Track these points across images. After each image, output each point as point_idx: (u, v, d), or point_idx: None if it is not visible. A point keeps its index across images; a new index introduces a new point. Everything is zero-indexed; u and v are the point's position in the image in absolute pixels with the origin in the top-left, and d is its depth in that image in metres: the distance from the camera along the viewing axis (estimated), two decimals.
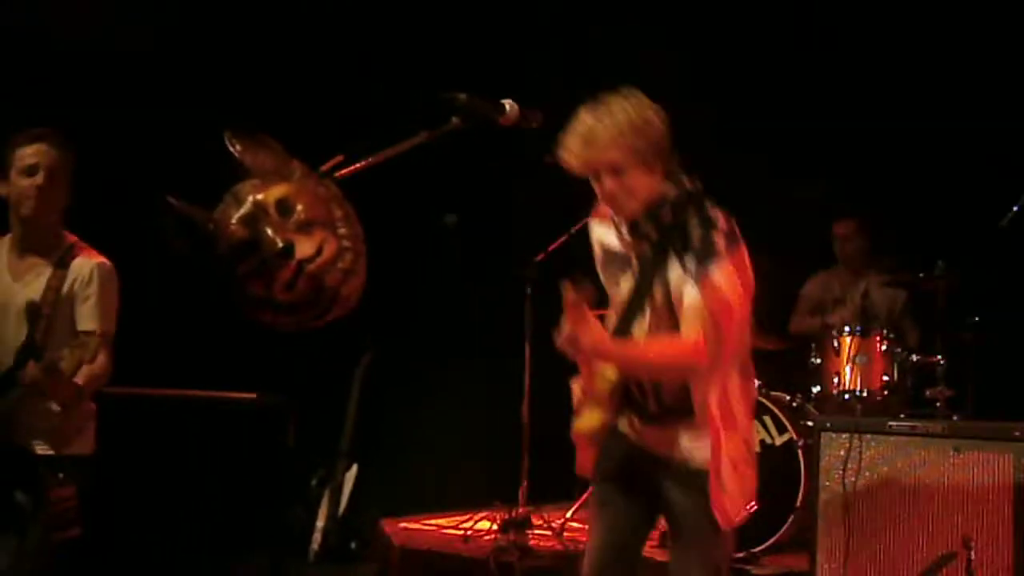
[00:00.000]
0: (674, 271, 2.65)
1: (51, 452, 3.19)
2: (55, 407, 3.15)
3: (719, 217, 2.65)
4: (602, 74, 2.93)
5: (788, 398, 4.80)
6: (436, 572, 4.68)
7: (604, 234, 2.85)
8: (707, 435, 2.71)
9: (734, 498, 2.74)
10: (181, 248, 2.15)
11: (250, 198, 2.13)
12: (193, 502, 5.01)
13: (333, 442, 5.19)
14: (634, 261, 2.76)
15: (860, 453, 4.00)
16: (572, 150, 2.66)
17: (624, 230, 2.76)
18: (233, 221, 2.11)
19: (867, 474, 4.02)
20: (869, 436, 4.04)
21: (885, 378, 4.70)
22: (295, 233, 2.11)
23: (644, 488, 2.84)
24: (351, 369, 5.37)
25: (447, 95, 2.49)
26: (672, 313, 2.66)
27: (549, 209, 5.21)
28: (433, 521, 5.22)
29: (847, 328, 4.80)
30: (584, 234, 3.18)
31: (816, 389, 4.91)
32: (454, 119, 2.49)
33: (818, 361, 4.92)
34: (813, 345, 5.00)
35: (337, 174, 2.28)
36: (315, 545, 4.79)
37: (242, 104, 4.58)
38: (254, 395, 5.26)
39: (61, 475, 3.16)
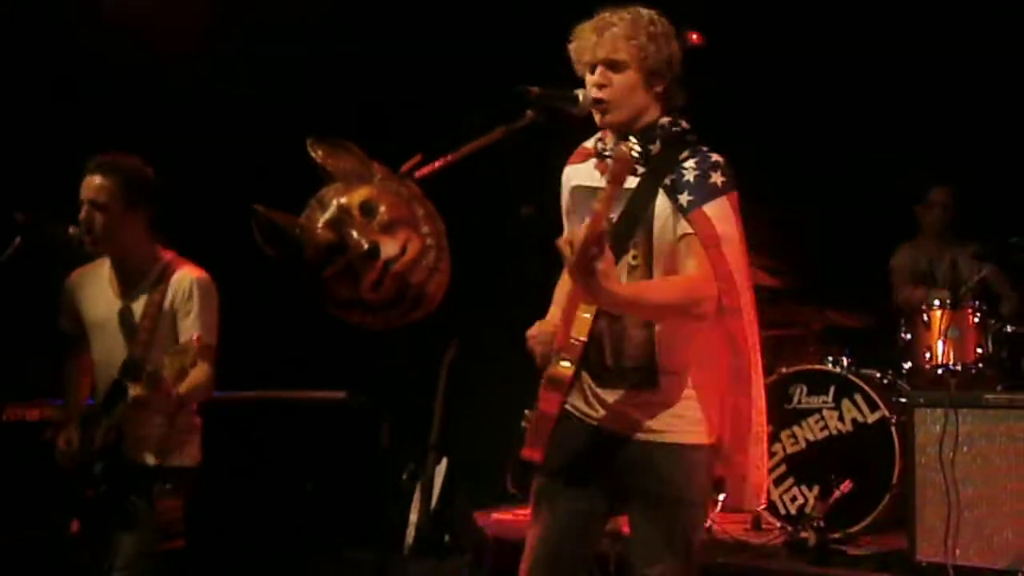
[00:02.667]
0: (661, 209, 2.45)
1: (158, 463, 3.28)
2: (159, 417, 3.24)
3: (719, 159, 2.48)
4: None
5: (879, 375, 4.72)
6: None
7: (576, 173, 2.64)
8: (679, 404, 2.48)
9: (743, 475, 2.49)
10: (271, 254, 2.21)
11: (334, 202, 2.19)
12: (288, 502, 5.14)
13: (422, 437, 5.28)
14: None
15: (956, 428, 3.92)
16: (579, 36, 2.53)
17: (606, 156, 2.55)
18: (319, 225, 2.17)
19: (964, 449, 3.94)
20: (965, 410, 3.97)
21: (979, 351, 4.59)
22: (379, 234, 2.16)
23: (599, 478, 2.54)
24: (437, 364, 5.46)
25: (521, 89, 2.51)
26: (649, 257, 2.45)
27: None
28: (525, 511, 5.25)
29: (937, 301, 4.70)
30: None
31: (907, 365, 4.82)
32: (529, 112, 2.51)
33: (909, 336, 4.82)
34: (903, 320, 4.91)
35: (417, 173, 2.33)
36: (409, 540, 4.86)
37: (321, 112, 4.66)
38: (343, 394, 5.37)
39: (168, 486, 3.26)
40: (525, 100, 2.51)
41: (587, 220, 2.18)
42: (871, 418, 4.48)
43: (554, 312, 2.72)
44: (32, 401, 4.50)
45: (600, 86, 2.51)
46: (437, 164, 2.35)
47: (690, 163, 2.47)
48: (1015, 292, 5.10)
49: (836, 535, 4.33)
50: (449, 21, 5.70)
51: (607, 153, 2.57)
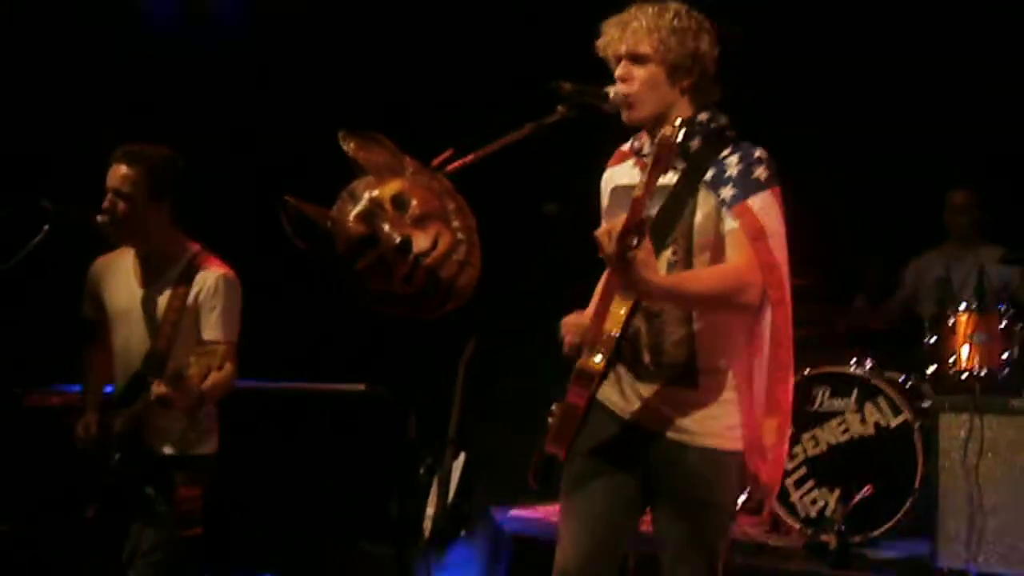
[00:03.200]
0: (703, 204, 2.42)
1: (177, 453, 3.29)
2: (179, 414, 3.23)
3: (762, 154, 2.46)
4: None
5: (902, 378, 4.68)
6: (548, 559, 4.71)
7: (616, 174, 2.64)
8: (716, 405, 2.45)
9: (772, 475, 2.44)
10: (301, 246, 2.21)
11: (366, 195, 2.18)
12: (306, 494, 5.14)
13: (441, 430, 5.28)
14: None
15: (981, 434, 3.89)
16: (605, 31, 2.52)
17: (644, 155, 2.53)
18: (351, 218, 2.17)
19: (988, 455, 3.92)
20: (990, 416, 3.94)
21: (1005, 356, 4.54)
22: (411, 227, 2.16)
23: (632, 469, 2.50)
24: (456, 358, 5.45)
25: (552, 84, 2.50)
26: (689, 253, 2.43)
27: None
28: (543, 507, 5.25)
29: (964, 305, 4.65)
30: None
31: (932, 369, 4.77)
32: (559, 108, 2.50)
33: (933, 340, 4.78)
34: (927, 324, 4.87)
35: (448, 168, 2.32)
36: (425, 533, 4.87)
37: (353, 104, 4.67)
38: (362, 386, 5.37)
39: (187, 475, 3.27)
40: (556, 96, 2.50)
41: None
42: (894, 422, 4.45)
43: (589, 310, 2.67)
44: (53, 388, 4.53)
45: (623, 80, 2.49)
46: (468, 159, 2.34)
47: (732, 158, 2.44)
48: None
49: (857, 539, 4.29)
50: (483, 15, 5.70)
51: (645, 153, 2.55)
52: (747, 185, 2.41)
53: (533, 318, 5.83)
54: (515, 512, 5.18)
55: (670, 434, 2.49)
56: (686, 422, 2.48)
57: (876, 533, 4.35)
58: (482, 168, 2.39)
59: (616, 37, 2.50)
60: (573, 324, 2.59)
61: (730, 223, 2.41)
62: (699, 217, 2.44)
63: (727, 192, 2.41)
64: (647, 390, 2.50)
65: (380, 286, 2.17)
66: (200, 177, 3.39)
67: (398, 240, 2.13)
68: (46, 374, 4.52)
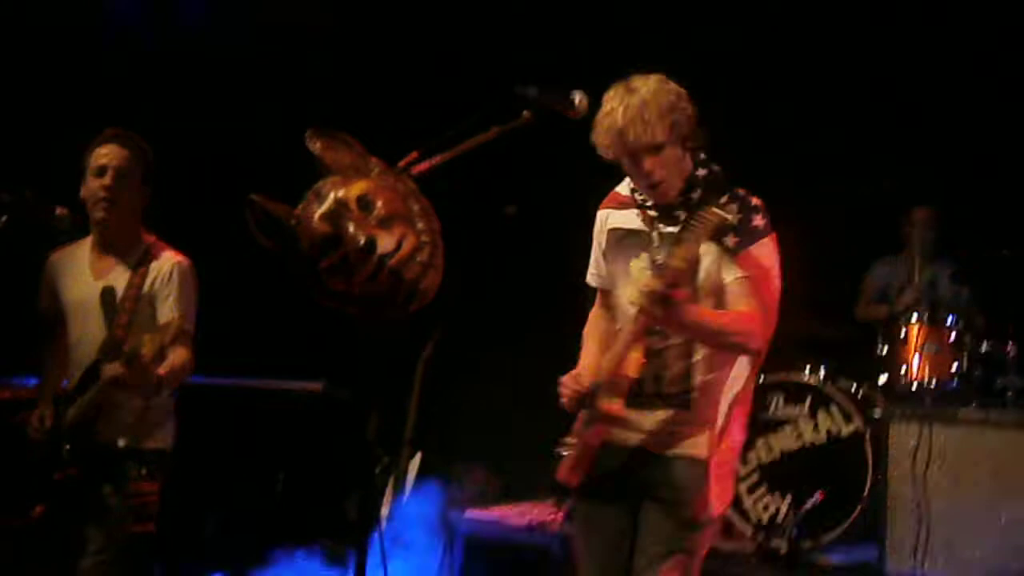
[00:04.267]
0: (706, 252, 2.61)
1: (131, 446, 3.25)
2: (136, 399, 3.21)
3: (758, 202, 2.68)
4: (657, 60, 2.90)
5: (854, 387, 4.76)
6: (502, 561, 4.73)
7: (614, 217, 2.82)
8: (701, 425, 2.69)
9: (720, 493, 2.71)
10: (265, 244, 2.20)
11: (332, 195, 2.18)
12: (263, 492, 5.11)
13: (397, 431, 5.27)
14: (655, 238, 2.72)
15: (930, 443, 3.97)
16: (613, 131, 2.62)
17: (648, 206, 2.73)
18: (316, 217, 2.16)
19: (937, 464, 3.99)
20: (939, 426, 4.01)
21: (955, 368, 4.63)
22: (376, 228, 2.16)
23: (627, 493, 2.74)
24: (414, 359, 5.45)
25: (518, 89, 2.51)
26: (695, 299, 2.62)
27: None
28: (498, 510, 5.26)
29: (915, 316, 4.74)
30: None
31: (883, 379, 4.86)
32: (525, 113, 2.51)
33: (885, 350, 4.86)
34: (880, 334, 4.95)
35: (413, 170, 2.32)
36: (380, 534, 4.85)
37: (319, 104, 4.65)
38: (319, 386, 5.35)
39: (144, 470, 3.24)
40: (522, 101, 2.52)
41: (665, 264, 2.49)
42: (845, 430, 4.52)
43: (588, 363, 2.87)
44: (3, 381, 4.46)
45: (650, 174, 2.65)
46: (434, 161, 2.35)
47: (732, 207, 2.63)
48: (982, 313, 5.14)
49: (807, 544, 4.36)
50: (449, 18, 5.70)
51: (649, 205, 2.74)
52: (749, 234, 2.63)
53: (492, 318, 5.88)
54: (469, 513, 5.19)
55: (665, 452, 2.71)
56: (679, 439, 2.70)
57: (826, 539, 4.42)
58: (445, 170, 2.40)
59: (631, 136, 2.61)
60: (571, 385, 2.76)
61: (736, 271, 2.63)
62: (704, 264, 2.64)
63: (731, 241, 2.62)
64: (648, 417, 2.72)
65: (343, 286, 2.17)
66: (164, 172, 3.37)
67: (362, 241, 2.13)
68: None
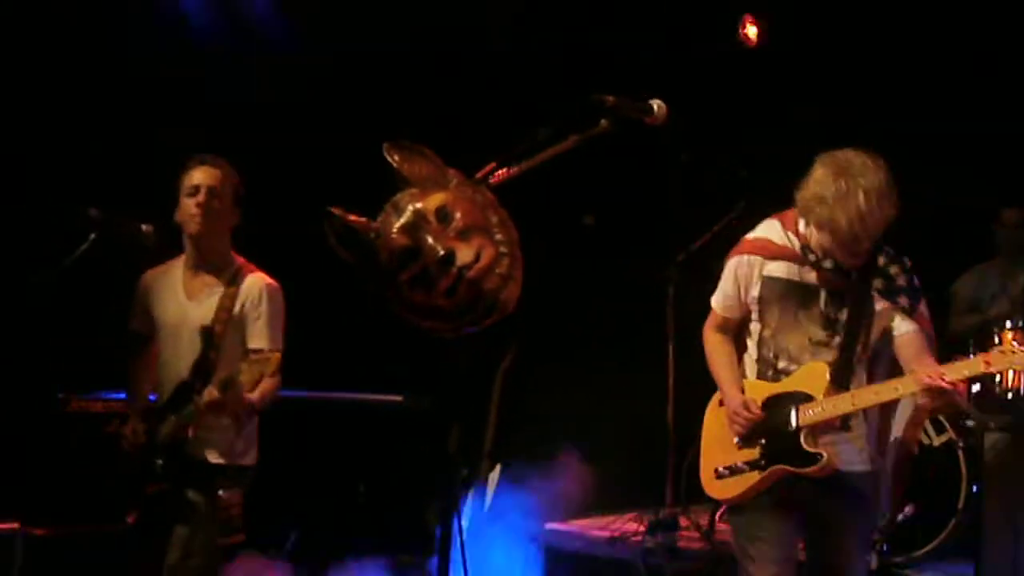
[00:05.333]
0: (880, 309, 2.96)
1: (222, 461, 3.33)
2: (228, 422, 3.28)
3: (909, 262, 3.00)
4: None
5: None
6: (583, 574, 4.69)
7: (771, 267, 3.05)
8: (860, 441, 2.99)
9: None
10: (345, 257, 2.21)
11: (410, 207, 2.18)
12: (340, 504, 5.16)
13: (476, 442, 5.27)
14: (824, 293, 2.99)
15: None
16: (864, 212, 2.82)
17: (825, 268, 2.97)
18: (394, 230, 2.17)
19: None
20: None
21: None
22: (454, 240, 2.15)
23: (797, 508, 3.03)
24: (493, 371, 5.45)
25: (596, 97, 2.49)
26: (867, 349, 2.97)
27: (691, 208, 5.16)
28: (579, 522, 5.23)
29: (1009, 323, 4.58)
30: (727, 235, 3.23)
31: (976, 388, 4.70)
32: (603, 121, 2.49)
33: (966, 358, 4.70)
34: (971, 342, 4.79)
35: (491, 180, 2.31)
36: (460, 545, 4.85)
37: (397, 116, 4.69)
38: (400, 398, 5.38)
39: (232, 484, 3.31)
40: (599, 109, 2.50)
41: (949, 367, 2.82)
42: (937, 441, 4.39)
43: (737, 379, 3.11)
44: (96, 394, 4.57)
45: (864, 253, 2.92)
46: (512, 171, 2.33)
47: (894, 268, 2.99)
48: None
49: (899, 559, 4.24)
50: (526, 28, 5.71)
51: (825, 266, 2.98)
52: (915, 294, 2.99)
53: (568, 332, 5.85)
54: (551, 526, 5.16)
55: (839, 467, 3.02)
56: (844, 456, 3.01)
57: (919, 554, 4.30)
58: (523, 180, 2.38)
59: (870, 225, 2.84)
60: (745, 411, 3.02)
61: (909, 326, 2.97)
62: (877, 320, 2.96)
63: (904, 301, 2.97)
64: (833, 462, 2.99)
65: (422, 299, 2.17)
66: (247, 186, 3.44)
67: (441, 253, 2.13)
68: (89, 381, 4.57)
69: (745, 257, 3.08)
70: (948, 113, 5.41)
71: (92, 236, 3.33)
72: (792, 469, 2.93)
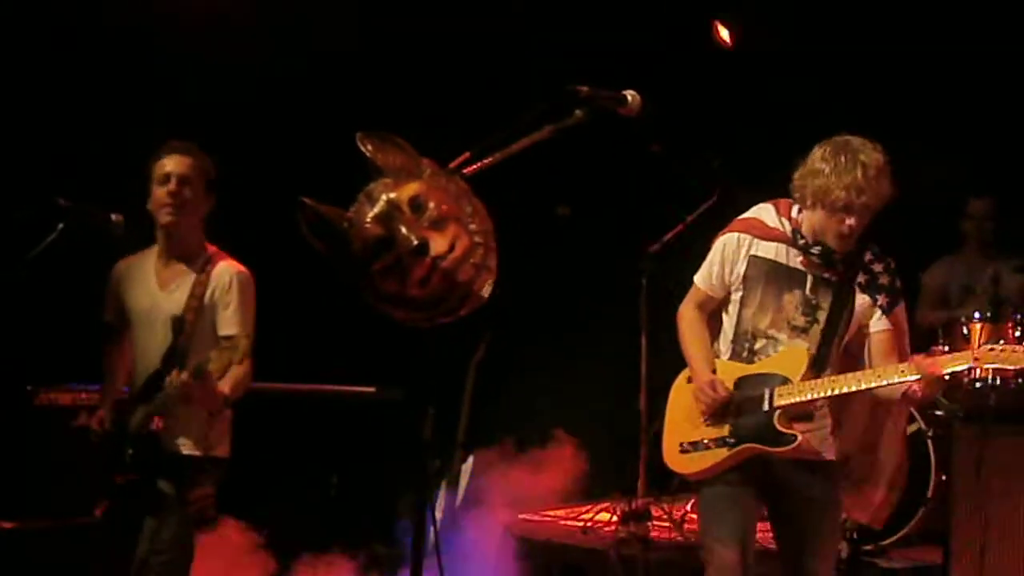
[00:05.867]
0: (860, 303, 2.99)
1: (196, 453, 3.30)
2: (200, 413, 3.25)
3: (893, 263, 3.05)
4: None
5: None
6: (556, 564, 4.70)
7: (761, 246, 3.07)
8: (823, 431, 3.04)
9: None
10: (317, 247, 2.20)
11: (383, 197, 2.16)
12: (313, 496, 5.14)
13: (449, 433, 5.26)
14: (810, 279, 3.02)
15: (995, 444, 3.87)
16: (861, 182, 2.86)
17: (813, 252, 2.99)
18: (368, 220, 2.15)
19: (1002, 466, 3.88)
20: (1004, 426, 3.90)
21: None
22: (428, 230, 2.14)
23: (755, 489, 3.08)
24: (466, 361, 5.44)
25: (570, 88, 2.48)
26: (843, 338, 3.01)
27: (663, 199, 5.17)
28: (552, 512, 5.23)
29: (977, 314, 4.62)
30: (700, 226, 3.24)
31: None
32: (577, 112, 2.48)
33: (946, 349, 4.74)
34: (940, 332, 4.84)
35: (465, 170, 2.30)
36: (432, 536, 4.85)
37: (370, 106, 4.67)
38: (372, 389, 5.36)
39: (203, 475, 3.29)
40: (574, 99, 2.49)
41: (943, 359, 2.83)
42: (908, 430, 4.41)
43: (708, 357, 3.14)
44: (64, 386, 4.53)
45: (852, 229, 2.92)
46: (486, 161, 2.32)
47: (878, 266, 3.04)
48: None
49: (868, 547, 4.28)
50: (501, 17, 5.69)
51: (814, 252, 3.00)
52: (896, 295, 3.03)
53: (539, 322, 5.85)
54: (523, 515, 5.17)
55: (802, 456, 3.04)
56: (809, 446, 3.02)
57: (888, 542, 4.33)
58: (496, 170, 2.38)
59: (866, 199, 2.88)
60: (711, 391, 3.04)
61: (884, 324, 3.00)
62: (856, 314, 3.00)
63: (883, 300, 3.00)
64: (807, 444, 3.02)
65: (396, 289, 2.15)
66: (220, 177, 3.41)
67: (415, 242, 2.11)
68: (57, 373, 4.53)
69: (735, 235, 3.11)
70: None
71: (60, 226, 3.29)
72: (764, 448, 2.94)
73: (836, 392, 2.91)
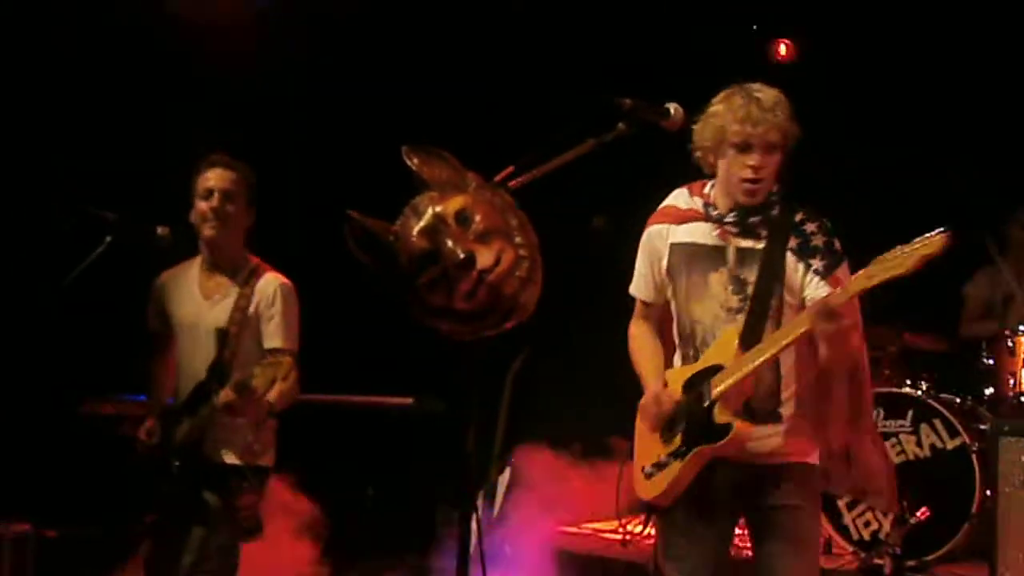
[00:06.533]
0: (792, 269, 2.72)
1: (240, 462, 3.32)
2: (244, 422, 3.27)
3: (829, 224, 2.76)
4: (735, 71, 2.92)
5: (959, 401, 4.60)
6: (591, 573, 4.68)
7: (677, 232, 2.85)
8: (795, 432, 2.76)
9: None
10: (364, 260, 2.22)
11: (429, 210, 2.18)
12: (350, 506, 5.15)
13: (487, 445, 5.26)
14: (731, 252, 2.77)
15: None
16: (739, 112, 2.67)
17: (727, 222, 2.76)
18: (414, 233, 2.17)
19: None
20: None
21: None
22: (474, 243, 2.15)
23: (726, 506, 2.85)
24: (504, 373, 5.44)
25: (613, 101, 2.49)
26: (780, 311, 2.73)
27: None
28: (591, 525, 5.21)
29: (1022, 327, 4.57)
30: None
31: (989, 391, 4.69)
32: (620, 125, 2.49)
33: (991, 362, 4.70)
34: (984, 345, 4.78)
35: (510, 183, 2.32)
36: (471, 548, 4.84)
37: (415, 120, 4.70)
38: (410, 400, 5.38)
39: (247, 484, 3.30)
40: (616, 112, 2.50)
41: (834, 292, 2.56)
42: (950, 444, 4.37)
43: (656, 371, 2.89)
44: (108, 397, 4.58)
45: (759, 168, 2.70)
46: (531, 174, 2.34)
47: (811, 227, 2.75)
48: None
49: (912, 563, 4.22)
50: (546, 32, 5.72)
51: (728, 220, 2.77)
52: (834, 256, 2.72)
53: (581, 332, 5.84)
54: (562, 528, 5.15)
55: (768, 460, 2.77)
56: (776, 449, 2.76)
57: (932, 557, 4.27)
58: (539, 183, 2.39)
59: (759, 129, 2.67)
60: (655, 404, 2.82)
61: (822, 291, 2.67)
62: (789, 282, 2.73)
63: (818, 263, 2.71)
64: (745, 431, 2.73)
65: (442, 302, 2.17)
66: (264, 188, 3.44)
67: (461, 256, 2.13)
68: (102, 383, 4.58)
69: (654, 228, 2.89)
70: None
71: (108, 239, 3.34)
72: (709, 447, 2.68)
73: (760, 360, 2.63)
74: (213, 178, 3.33)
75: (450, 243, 2.14)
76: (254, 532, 3.31)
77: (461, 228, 2.16)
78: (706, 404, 2.71)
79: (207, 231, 3.34)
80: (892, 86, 5.54)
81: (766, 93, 2.70)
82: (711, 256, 2.77)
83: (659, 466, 2.78)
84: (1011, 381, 4.55)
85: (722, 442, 2.67)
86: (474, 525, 5.05)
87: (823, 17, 5.67)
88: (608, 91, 2.53)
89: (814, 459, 2.81)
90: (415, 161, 2.25)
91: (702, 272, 2.78)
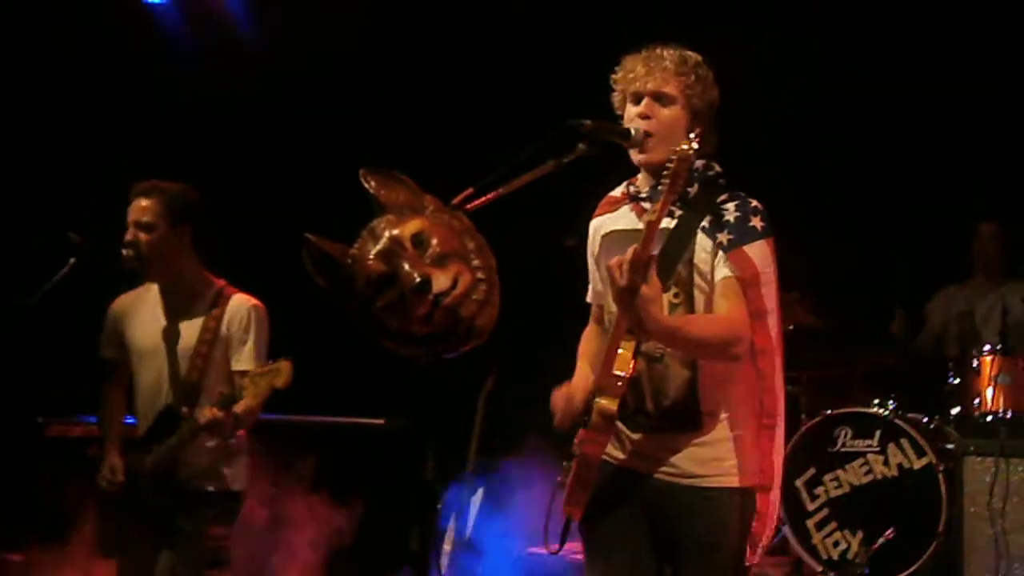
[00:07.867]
0: (701, 248, 2.45)
1: (212, 488, 3.29)
2: (213, 442, 3.23)
3: (758, 204, 2.50)
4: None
5: (926, 420, 4.62)
6: None
7: (609, 221, 2.63)
8: (721, 446, 2.45)
9: (764, 523, 2.43)
10: (321, 284, 2.21)
11: (386, 233, 2.18)
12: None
13: (458, 465, 5.24)
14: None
15: (1007, 478, 3.84)
16: (627, 67, 2.54)
17: (641, 198, 2.55)
18: (371, 256, 2.17)
19: (1014, 500, 3.86)
20: (1016, 460, 3.88)
21: None
22: (431, 267, 2.15)
23: (645, 528, 2.50)
24: (475, 393, 5.43)
25: (574, 122, 2.49)
26: (690, 296, 2.46)
27: None
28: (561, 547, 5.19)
29: (988, 347, 4.60)
30: None
31: (955, 411, 4.72)
32: (580, 146, 2.48)
33: (957, 381, 4.73)
34: (951, 365, 4.81)
35: (468, 206, 2.32)
36: (443, 570, 4.83)
37: (373, 142, 4.72)
38: (382, 421, 5.36)
39: (218, 512, 3.27)
40: (577, 133, 2.50)
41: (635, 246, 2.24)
42: (917, 464, 4.39)
43: (582, 369, 2.67)
44: (75, 418, 4.55)
45: (645, 117, 2.50)
46: (489, 197, 2.34)
47: (730, 205, 2.49)
48: None
49: None
50: (503, 53, 5.74)
51: (643, 196, 2.56)
52: (744, 232, 2.45)
53: (552, 352, 5.84)
54: (533, 548, 5.13)
55: (681, 481, 2.47)
56: (695, 467, 2.46)
57: None
58: (502, 202, 2.38)
59: (642, 73, 2.51)
60: (562, 397, 2.58)
61: (725, 270, 2.44)
62: (698, 261, 2.46)
63: (724, 237, 2.45)
64: (652, 440, 2.48)
65: (399, 325, 2.17)
66: (221, 214, 3.42)
67: (418, 279, 2.12)
68: (68, 405, 4.55)
69: (593, 222, 2.70)
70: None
71: (71, 260, 3.32)
72: (583, 432, 2.40)
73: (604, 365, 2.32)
74: (132, 211, 3.29)
75: (407, 266, 2.14)
76: (220, 565, 3.26)
77: (418, 251, 2.16)
78: (586, 404, 2.43)
79: (127, 265, 3.30)
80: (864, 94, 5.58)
81: (672, 51, 2.53)
82: (629, 239, 2.39)
83: (565, 470, 2.48)
84: (976, 401, 4.58)
85: (591, 438, 2.37)
86: (446, 546, 5.03)
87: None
88: (573, 112, 2.54)
89: (736, 482, 2.46)
90: (372, 184, 2.25)
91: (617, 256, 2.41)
